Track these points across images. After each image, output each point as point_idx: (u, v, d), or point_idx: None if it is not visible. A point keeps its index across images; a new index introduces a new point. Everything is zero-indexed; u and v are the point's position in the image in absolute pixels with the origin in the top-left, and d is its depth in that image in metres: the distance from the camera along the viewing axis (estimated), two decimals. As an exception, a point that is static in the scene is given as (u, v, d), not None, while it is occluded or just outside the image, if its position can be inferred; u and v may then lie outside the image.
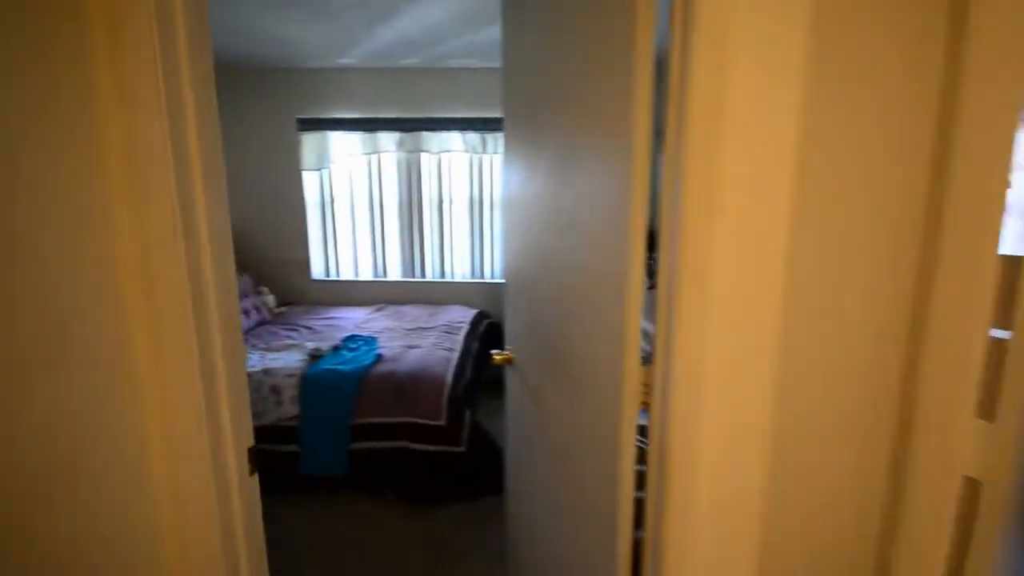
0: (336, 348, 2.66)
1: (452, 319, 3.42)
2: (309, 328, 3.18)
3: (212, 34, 0.80)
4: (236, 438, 0.86)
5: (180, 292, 0.75)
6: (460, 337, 3.06)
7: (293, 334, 3.06)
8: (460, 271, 3.94)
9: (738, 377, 0.72)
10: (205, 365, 0.80)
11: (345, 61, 3.49)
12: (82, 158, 0.70)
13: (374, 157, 3.77)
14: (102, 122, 0.72)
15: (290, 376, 2.35)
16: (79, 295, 0.70)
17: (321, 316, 3.48)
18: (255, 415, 2.27)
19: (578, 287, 1.01)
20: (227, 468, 0.85)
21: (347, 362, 2.49)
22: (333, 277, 3.99)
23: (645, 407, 0.90)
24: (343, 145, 3.71)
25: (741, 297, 0.70)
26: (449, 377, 2.43)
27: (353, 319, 3.39)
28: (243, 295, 3.30)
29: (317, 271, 3.99)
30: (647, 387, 0.89)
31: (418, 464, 2.27)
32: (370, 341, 2.82)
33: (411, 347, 2.76)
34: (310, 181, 3.85)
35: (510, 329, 1.60)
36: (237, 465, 0.86)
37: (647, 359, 0.86)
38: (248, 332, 3.04)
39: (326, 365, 2.44)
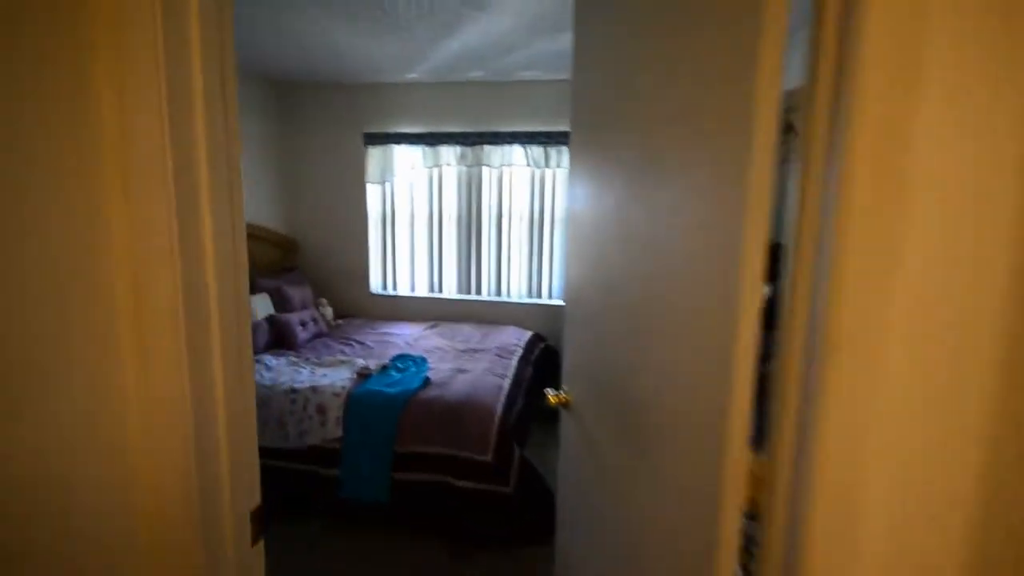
0: (384, 367, 2.56)
1: (506, 341, 3.24)
2: (362, 343, 3.12)
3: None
4: (235, 500, 0.72)
5: (172, 330, 0.62)
6: (513, 362, 2.87)
7: (346, 349, 3.01)
8: (516, 290, 3.77)
9: (921, 495, 0.47)
10: (201, 413, 0.66)
11: (412, 76, 3.48)
12: (75, 164, 0.60)
13: (435, 171, 3.72)
14: (97, 128, 0.61)
15: (336, 395, 2.26)
16: (62, 332, 0.58)
17: (375, 331, 3.43)
18: (300, 433, 2.20)
19: (658, 327, 0.79)
20: (222, 539, 0.70)
21: (394, 384, 2.38)
22: (390, 291, 3.96)
23: (751, 507, 0.66)
24: (406, 158, 3.69)
25: (929, 379, 0.45)
26: (499, 408, 2.24)
27: (406, 336, 3.31)
28: (303, 306, 3.33)
29: (375, 285, 3.97)
30: (755, 479, 0.65)
31: (462, 502, 2.09)
32: (420, 362, 2.70)
33: (461, 371, 2.61)
34: (373, 194, 3.87)
35: (568, 366, 1.39)
36: (235, 534, 0.71)
37: (757, 443, 0.63)
38: (304, 344, 3.03)
39: (372, 386, 2.34)
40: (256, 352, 2.76)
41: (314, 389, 2.29)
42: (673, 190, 0.74)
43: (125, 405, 0.65)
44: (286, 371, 2.51)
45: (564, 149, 3.44)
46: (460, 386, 2.37)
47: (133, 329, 0.64)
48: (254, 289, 3.13)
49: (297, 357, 2.74)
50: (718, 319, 0.61)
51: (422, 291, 3.92)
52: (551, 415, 1.72)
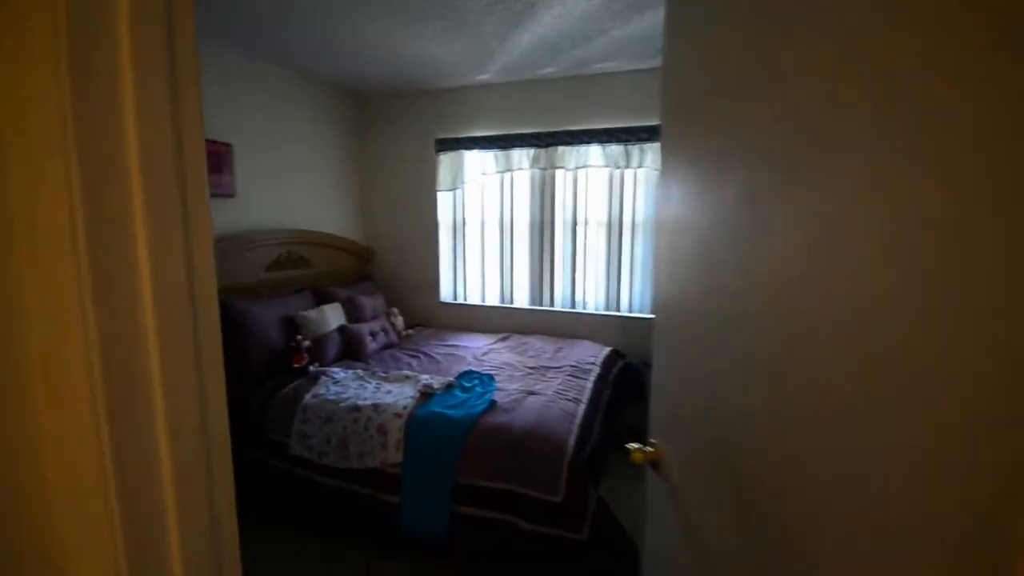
0: (449, 386, 2.40)
1: (581, 357, 2.96)
2: (430, 356, 3.01)
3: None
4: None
5: (90, 422, 0.43)
6: (589, 383, 2.59)
7: (413, 362, 2.90)
8: (592, 301, 3.47)
9: None
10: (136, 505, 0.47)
11: (483, 77, 3.33)
12: None
13: (507, 175, 3.54)
14: None
15: (398, 416, 2.13)
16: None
17: (444, 342, 3.31)
18: (361, 455, 2.09)
19: (824, 376, 0.50)
20: None
21: (457, 405, 2.20)
22: (460, 301, 3.84)
23: None
24: (477, 164, 3.55)
25: None
26: (572, 440, 1.98)
27: (474, 349, 3.15)
28: (374, 316, 3.29)
29: (445, 294, 3.88)
30: None
31: (529, 546, 1.85)
32: (486, 381, 2.51)
33: (531, 392, 2.38)
34: (444, 202, 3.78)
35: (659, 411, 1.11)
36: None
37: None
38: (373, 355, 2.97)
39: (435, 407, 2.18)
40: (325, 363, 2.73)
41: (376, 408, 2.18)
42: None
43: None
44: (352, 385, 2.44)
45: (647, 147, 3.10)
46: (529, 412, 2.14)
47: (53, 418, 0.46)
48: (328, 299, 3.14)
49: (365, 370, 2.67)
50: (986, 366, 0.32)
51: (493, 300, 3.75)
52: (635, 438, 1.51)
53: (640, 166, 3.13)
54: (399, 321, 3.49)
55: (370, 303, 3.33)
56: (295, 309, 2.84)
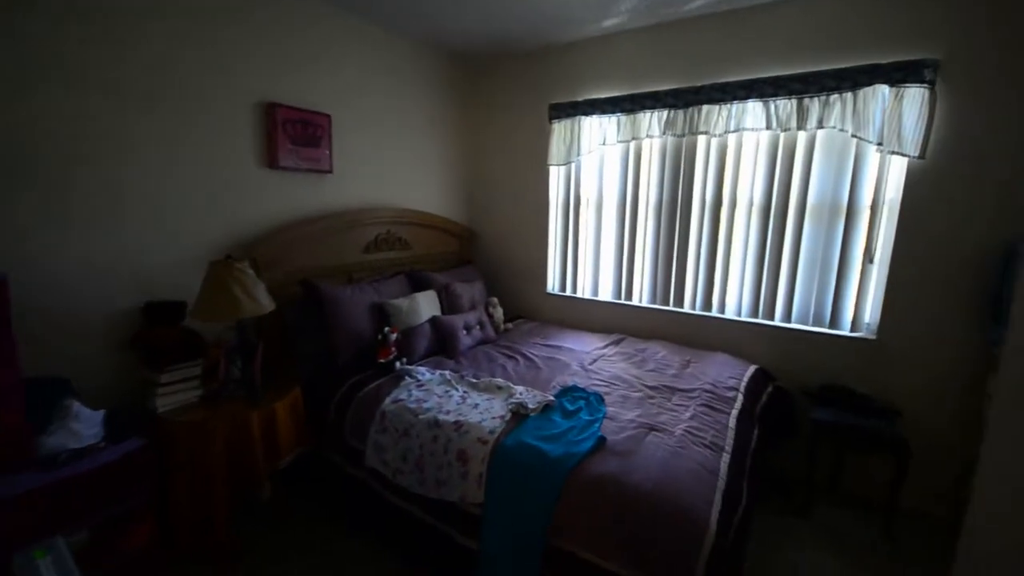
0: (548, 407, 1.95)
1: (718, 378, 2.31)
2: (528, 358, 2.58)
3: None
4: None
5: None
6: (731, 419, 1.95)
7: (509, 364, 2.50)
8: (733, 304, 2.74)
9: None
10: None
11: (610, 23, 2.72)
12: None
13: (632, 145, 2.91)
14: None
15: (482, 442, 1.74)
16: None
17: (546, 342, 2.86)
18: (438, 482, 1.75)
19: None
20: None
21: (556, 438, 1.74)
22: (569, 293, 3.35)
23: None
24: (596, 132, 2.97)
25: None
26: (714, 514, 1.41)
27: (581, 353, 2.65)
28: (471, 306, 2.95)
29: (553, 284, 3.41)
30: None
31: (641, 655, 1.35)
32: (594, 403, 2.01)
33: (652, 428, 1.83)
34: (556, 178, 3.27)
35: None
36: None
37: None
38: (466, 352, 2.63)
39: (528, 436, 1.74)
40: (413, 359, 2.45)
41: (458, 427, 1.82)
42: None
43: None
44: (436, 391, 2.11)
45: (834, 98, 2.25)
46: (651, 461, 1.60)
47: None
48: (423, 285, 2.86)
49: (454, 371, 2.33)
50: None
51: (606, 295, 3.20)
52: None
53: (820, 126, 2.30)
54: (498, 313, 3.11)
55: (468, 292, 2.99)
56: (387, 296, 2.60)
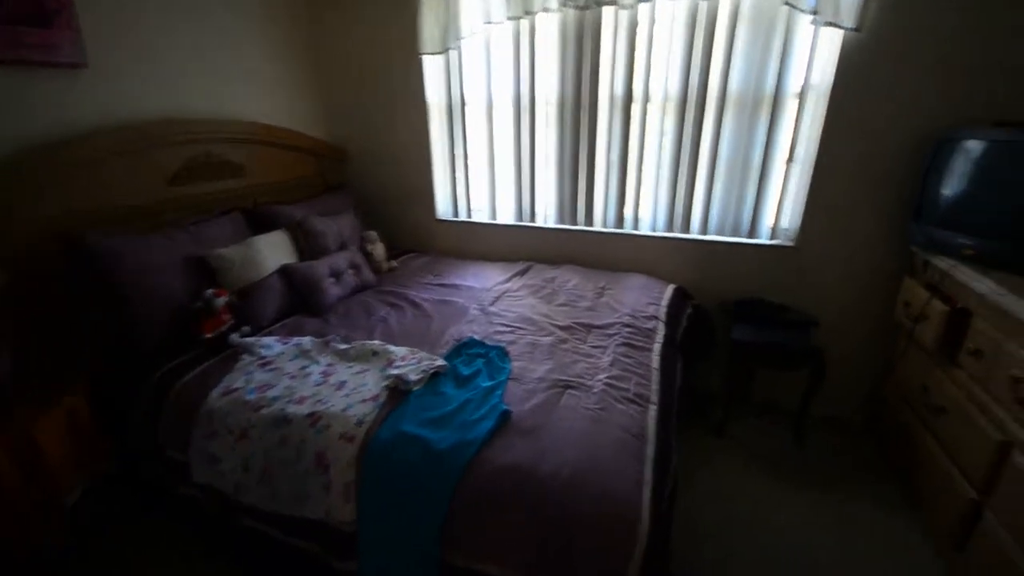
0: (437, 374, 1.51)
1: (636, 305, 2.02)
2: (416, 305, 2.10)
3: None
4: None
5: None
6: (655, 357, 1.67)
7: (392, 315, 2.01)
8: (648, 218, 2.42)
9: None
10: None
11: None
12: None
13: (525, 24, 2.30)
14: None
15: (346, 440, 1.28)
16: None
17: (439, 281, 2.37)
18: (296, 497, 1.30)
19: None
20: None
21: (447, 419, 1.32)
22: (463, 218, 2.83)
23: None
24: (477, 4, 2.30)
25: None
26: (646, 499, 1.11)
27: (480, 292, 2.22)
28: (340, 245, 2.34)
29: (443, 208, 2.86)
30: None
31: None
32: (496, 361, 1.61)
33: (566, 387, 1.48)
34: (433, 72, 2.59)
35: None
36: None
37: None
38: (335, 306, 2.08)
39: (409, 424, 1.31)
40: (260, 326, 1.86)
41: (314, 421, 1.33)
42: None
43: None
44: (288, 369, 1.58)
45: (764, -47, 1.80)
46: (566, 436, 1.25)
47: None
48: (268, 224, 2.18)
49: (319, 335, 1.79)
50: None
51: (507, 218, 2.73)
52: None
53: (748, -8, 1.87)
54: (378, 250, 2.53)
55: (334, 227, 2.36)
56: (211, 244, 1.91)
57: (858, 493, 1.84)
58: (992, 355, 1.41)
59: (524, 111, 2.44)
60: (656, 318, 1.95)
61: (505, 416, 1.32)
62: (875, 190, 1.95)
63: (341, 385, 1.48)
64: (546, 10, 2.17)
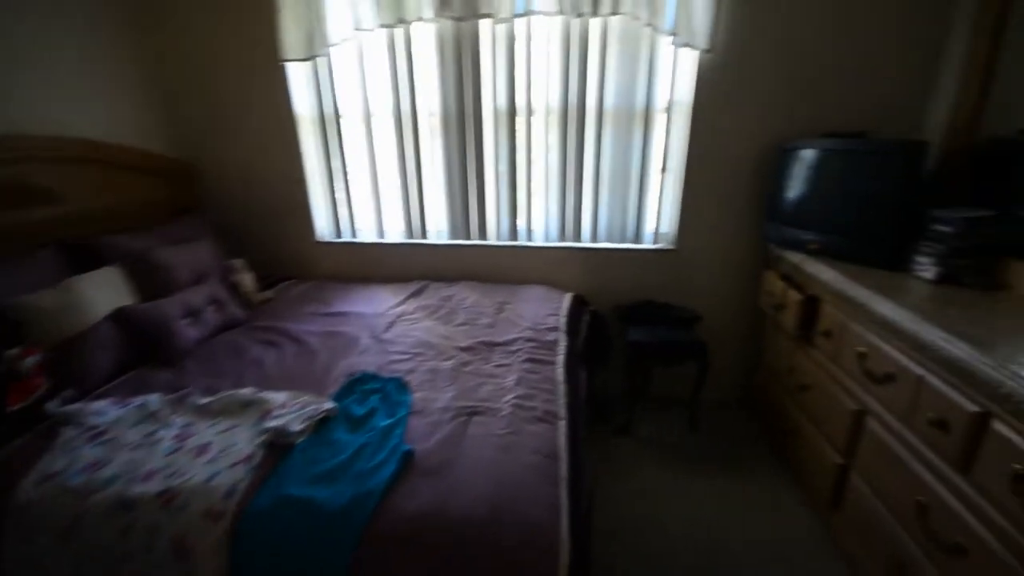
0: (325, 420, 1.33)
1: (536, 318, 2.00)
2: (298, 340, 1.86)
3: None
4: None
5: None
6: (559, 370, 1.65)
7: (268, 355, 1.75)
8: (541, 229, 2.44)
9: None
10: None
11: None
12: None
13: (400, 33, 2.19)
14: None
15: (212, 517, 1.05)
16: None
17: (324, 311, 2.14)
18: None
19: None
20: None
21: (342, 471, 1.15)
22: (348, 238, 2.61)
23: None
24: (346, 11, 2.14)
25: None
26: (564, 524, 1.05)
27: (371, 318, 2.04)
28: (196, 279, 2.00)
29: (324, 229, 2.61)
30: None
31: None
32: (393, 395, 1.46)
33: (473, 412, 1.38)
34: (301, 80, 2.36)
35: None
36: None
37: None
38: (192, 351, 1.76)
39: (295, 484, 1.11)
40: (88, 389, 1.49)
41: (168, 500, 1.08)
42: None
43: None
44: (128, 439, 1.27)
45: (625, -24, 1.91)
46: (477, 469, 1.16)
47: None
48: (96, 260, 1.79)
49: (170, 391, 1.48)
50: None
51: (396, 236, 2.58)
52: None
53: (614, 12, 1.97)
54: (246, 280, 2.22)
55: (186, 258, 2.02)
56: (15, 290, 1.50)
57: (748, 469, 2.00)
58: (839, 335, 1.61)
59: (406, 124, 2.32)
60: (557, 329, 1.94)
61: (408, 457, 1.19)
62: (736, 194, 2.16)
63: (203, 449, 1.23)
64: (421, 19, 2.09)
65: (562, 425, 1.37)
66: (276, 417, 1.30)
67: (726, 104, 2.03)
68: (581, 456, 1.34)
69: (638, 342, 2.10)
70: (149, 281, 1.84)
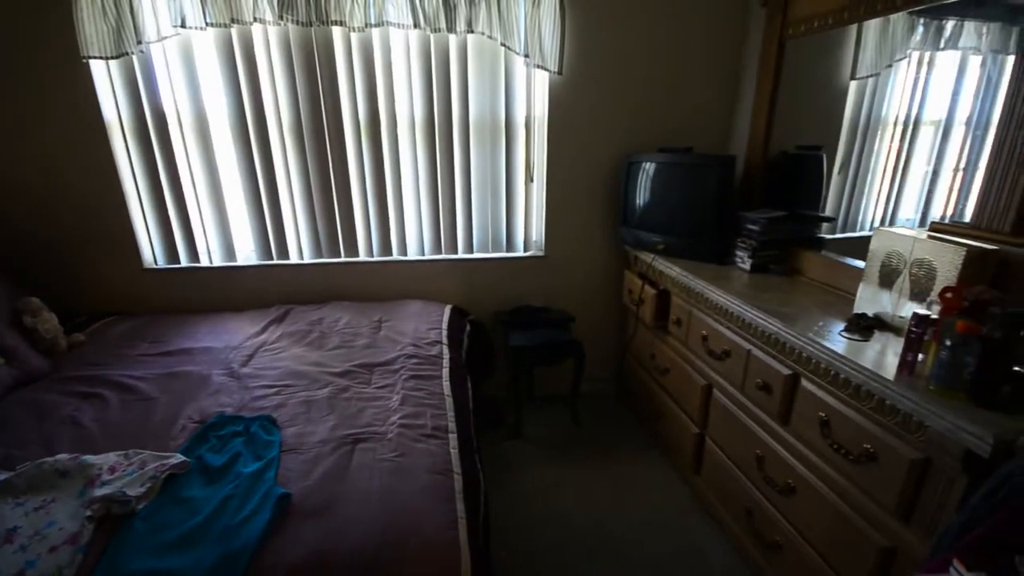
0: (172, 477, 1.12)
1: (416, 333, 1.96)
2: (124, 387, 1.55)
3: None
4: None
5: None
6: (445, 384, 1.62)
7: (85, 412, 1.42)
8: (415, 242, 2.39)
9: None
10: None
11: None
12: None
13: (236, 34, 1.98)
14: None
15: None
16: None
17: (156, 349, 1.82)
18: None
19: None
20: None
21: (201, 532, 0.98)
22: (186, 263, 2.26)
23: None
24: (162, 6, 1.87)
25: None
26: (463, 538, 1.03)
27: (226, 352, 1.79)
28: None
29: (154, 255, 2.23)
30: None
31: None
32: (260, 436, 1.29)
33: (356, 441, 1.29)
34: (109, 81, 2.00)
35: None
36: None
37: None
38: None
39: (141, 557, 0.92)
40: None
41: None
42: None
43: None
44: None
45: (478, -4, 1.98)
46: (367, 501, 1.08)
47: None
48: None
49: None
50: None
51: (249, 257, 2.31)
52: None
53: (470, 30, 2.02)
54: (49, 323, 1.79)
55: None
56: None
57: (625, 452, 2.18)
58: (687, 322, 1.85)
59: (254, 135, 2.10)
60: (440, 342, 1.91)
61: (284, 500, 1.06)
62: (595, 203, 2.37)
63: (10, 535, 0.95)
64: (260, 21, 1.92)
65: (453, 438, 1.35)
66: (106, 484, 1.06)
67: (577, 120, 2.22)
68: (475, 466, 1.33)
69: (521, 346, 2.17)
70: None
